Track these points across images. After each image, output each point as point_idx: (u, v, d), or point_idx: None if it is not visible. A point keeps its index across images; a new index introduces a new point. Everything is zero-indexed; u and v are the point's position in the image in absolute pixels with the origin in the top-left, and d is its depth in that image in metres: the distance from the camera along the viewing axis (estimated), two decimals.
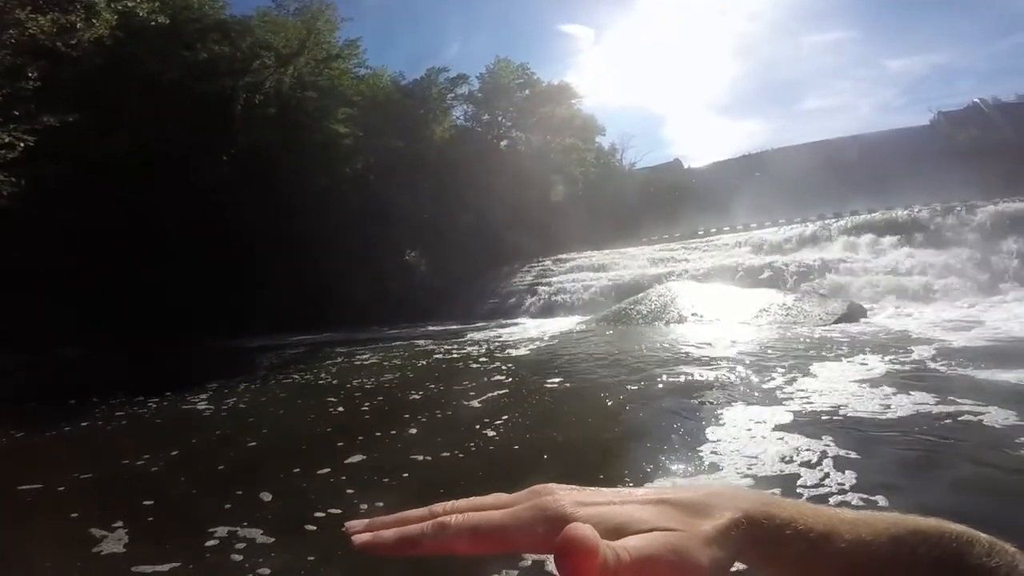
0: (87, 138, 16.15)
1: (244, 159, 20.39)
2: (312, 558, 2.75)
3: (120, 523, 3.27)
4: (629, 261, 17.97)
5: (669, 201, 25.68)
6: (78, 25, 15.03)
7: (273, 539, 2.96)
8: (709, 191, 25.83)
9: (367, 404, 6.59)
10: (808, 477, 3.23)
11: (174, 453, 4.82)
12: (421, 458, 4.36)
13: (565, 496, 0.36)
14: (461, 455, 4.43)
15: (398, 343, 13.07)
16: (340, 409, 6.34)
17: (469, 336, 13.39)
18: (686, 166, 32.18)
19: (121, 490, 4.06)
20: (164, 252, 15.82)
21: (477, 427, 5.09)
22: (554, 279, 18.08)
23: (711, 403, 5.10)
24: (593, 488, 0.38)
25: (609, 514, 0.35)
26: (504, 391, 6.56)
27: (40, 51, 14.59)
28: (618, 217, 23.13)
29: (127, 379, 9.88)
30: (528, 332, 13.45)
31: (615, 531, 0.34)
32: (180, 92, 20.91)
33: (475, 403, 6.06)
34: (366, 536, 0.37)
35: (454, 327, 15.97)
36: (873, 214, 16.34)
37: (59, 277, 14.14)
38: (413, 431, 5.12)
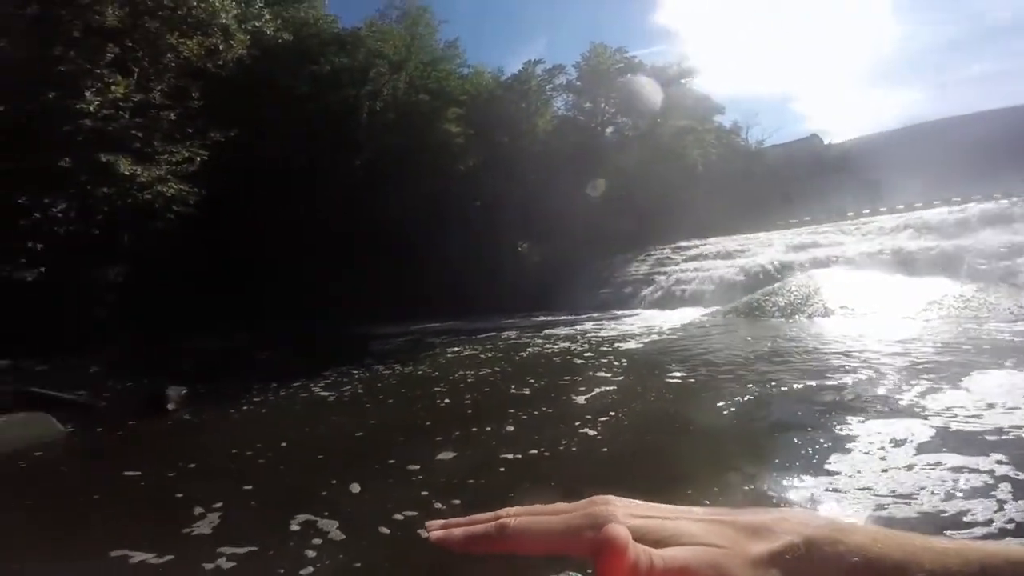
0: (244, 150, 18.45)
1: (371, 162, 22.12)
2: (376, 562, 2.75)
3: (219, 504, 3.54)
4: (762, 248, 16.31)
5: (807, 181, 22.98)
6: (220, 47, 17.03)
7: (345, 536, 3.01)
8: (856, 168, 22.71)
9: (469, 396, 6.50)
10: (955, 511, 2.55)
11: (283, 444, 5.06)
12: (511, 457, 4.14)
13: (618, 507, 0.38)
14: (552, 456, 4.12)
15: (508, 334, 13.10)
16: (445, 401, 6.29)
17: (580, 327, 13.08)
18: (825, 142, 28.57)
19: (228, 474, 4.34)
20: (304, 250, 17.62)
21: (577, 425, 4.77)
22: (674, 268, 17.04)
23: (853, 415, 4.23)
24: (652, 504, 0.39)
25: (657, 526, 0.37)
26: (612, 388, 6.15)
27: (197, 74, 16.94)
28: (746, 200, 21.17)
29: (276, 364, 10.93)
30: (644, 324, 12.81)
31: (659, 542, 0.35)
32: (312, 104, 23.32)
33: (580, 400, 5.72)
34: (440, 532, 0.40)
35: (566, 318, 15.79)
36: None
37: (223, 274, 16.33)
38: (510, 428, 4.90)
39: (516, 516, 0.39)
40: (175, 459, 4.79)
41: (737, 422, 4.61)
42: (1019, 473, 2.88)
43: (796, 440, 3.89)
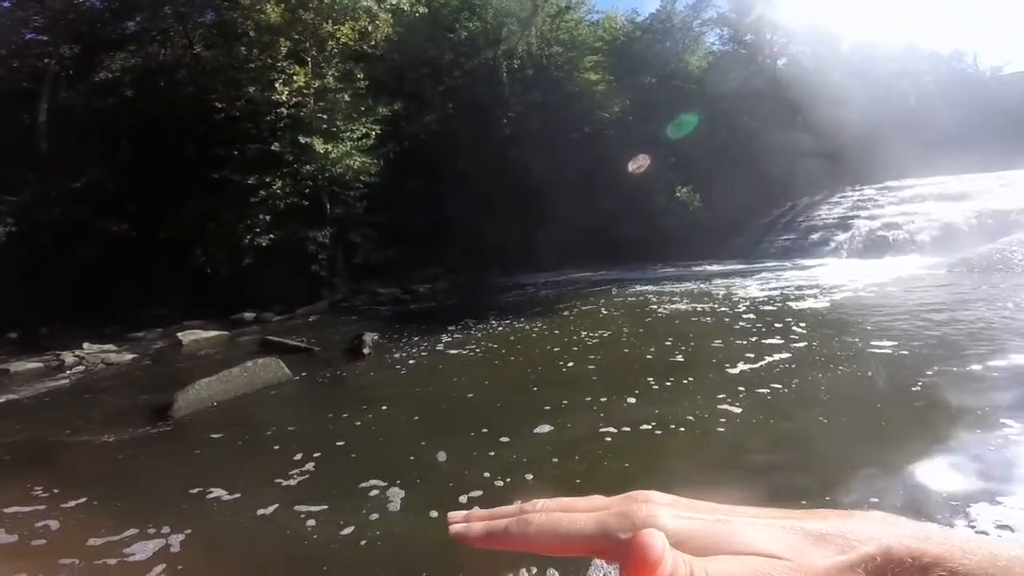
0: (408, 121, 19.84)
1: (518, 119, 22.46)
2: (414, 546, 2.65)
3: (311, 462, 3.77)
4: (1002, 189, 13.16)
5: None
6: (369, 28, 17.99)
7: (401, 515, 2.97)
8: None
9: (597, 359, 6.00)
10: None
11: (421, 394, 5.31)
12: (614, 435, 3.59)
13: (660, 504, 0.33)
14: (667, 439, 3.51)
15: (665, 283, 12.39)
16: (569, 365, 5.80)
17: (753, 278, 11.91)
18: None
19: (380, 422, 4.60)
20: (475, 203, 18.69)
21: (719, 399, 4.07)
22: (881, 211, 14.57)
23: None
24: (701, 502, 0.35)
25: (706, 530, 0.32)
26: (783, 355, 5.21)
27: (357, 56, 18.30)
28: (975, 137, 17.05)
29: (444, 312, 11.51)
30: (836, 277, 11.19)
31: (706, 549, 0.31)
32: (457, 70, 24.10)
33: (732, 370, 4.85)
34: (459, 526, 0.37)
35: (736, 266, 14.57)
36: None
37: (407, 230, 18.04)
38: (631, 400, 4.29)
39: (543, 511, 0.35)
40: (365, 398, 5.47)
41: (933, 411, 3.61)
42: None
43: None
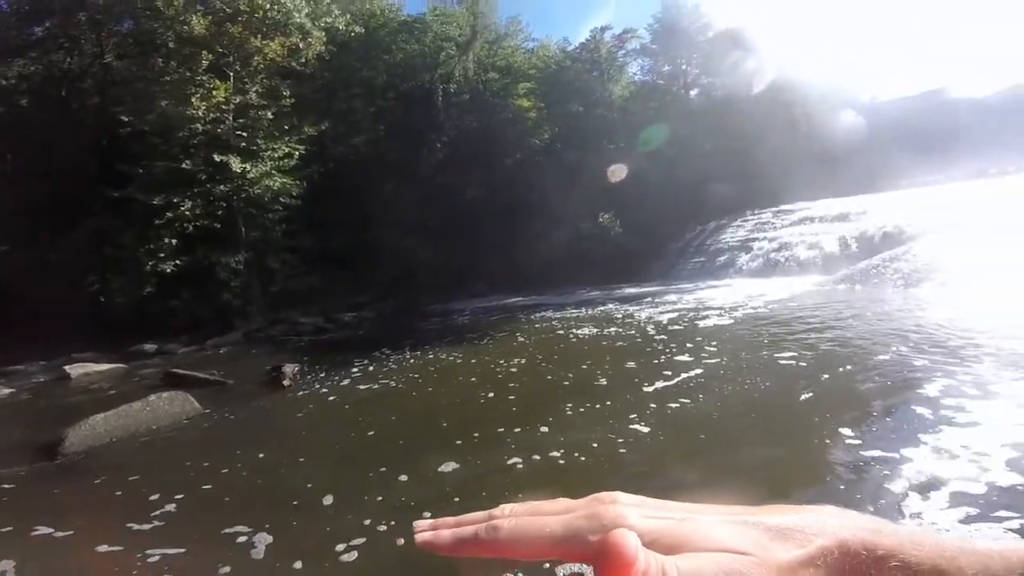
0: (336, 142, 19.52)
1: (451, 143, 22.66)
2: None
3: (191, 503, 3.65)
4: (880, 210, 14.69)
5: (932, 138, 20.27)
6: (299, 45, 17.77)
7: (259, 563, 2.88)
8: (993, 123, 19.70)
9: (516, 385, 6.06)
10: None
11: (341, 429, 5.16)
12: (521, 465, 3.66)
13: (627, 505, 0.34)
14: (581, 464, 3.63)
15: (588, 307, 12.76)
16: (488, 395, 5.74)
17: (668, 299, 12.50)
18: (953, 96, 25.05)
19: (298, 454, 4.55)
20: (405, 228, 18.52)
21: (632, 420, 4.24)
22: (776, 233, 15.78)
23: (967, 406, 3.67)
24: (666, 502, 0.36)
25: (673, 529, 0.33)
26: (694, 371, 5.54)
27: (285, 73, 17.91)
28: (859, 161, 19.02)
29: (366, 340, 11.16)
30: (739, 296, 12.00)
31: (675, 547, 0.32)
32: (391, 92, 24.08)
33: (648, 389, 5.10)
34: (427, 534, 0.36)
35: (653, 288, 15.23)
36: None
37: (330, 255, 17.54)
38: (544, 429, 4.36)
39: (511, 516, 0.35)
40: (284, 433, 5.25)
41: (836, 412, 3.98)
42: None
43: (898, 433, 3.42)
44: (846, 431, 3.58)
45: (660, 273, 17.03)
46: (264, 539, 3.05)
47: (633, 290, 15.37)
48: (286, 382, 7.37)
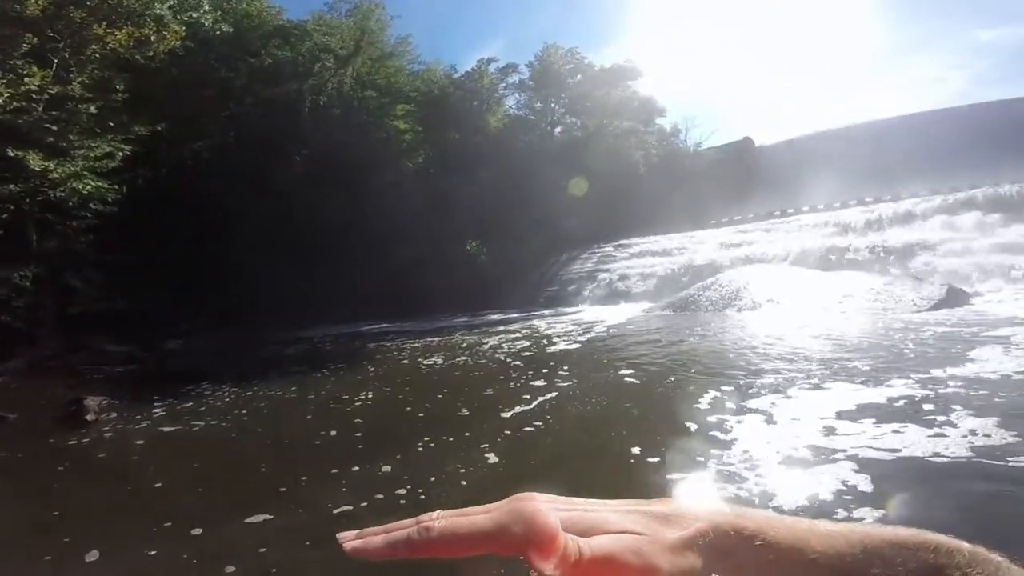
0: (173, 144, 17.46)
1: (315, 158, 21.45)
2: None
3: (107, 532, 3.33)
4: (698, 245, 17.08)
5: (740, 182, 24.07)
6: (151, 38, 15.97)
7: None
8: (784, 170, 24.06)
9: (362, 421, 5.77)
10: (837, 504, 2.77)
11: (177, 465, 4.64)
12: (347, 515, 3.42)
13: (541, 501, 0.38)
14: (449, 484, 3.72)
15: (451, 334, 12.97)
16: (329, 433, 5.31)
17: (526, 325, 13.19)
18: (757, 144, 29.96)
19: (127, 495, 4.05)
20: (252, 246, 16.92)
21: (484, 447, 4.36)
22: (616, 265, 17.53)
23: (765, 405, 4.56)
24: (572, 498, 0.41)
25: (580, 518, 0.38)
26: (549, 395, 5.89)
27: (123, 65, 15.86)
28: (684, 200, 21.92)
29: (195, 370, 9.96)
30: (586, 321, 13.12)
31: (584, 532, 0.37)
32: (249, 98, 22.36)
33: (506, 414, 5.26)
34: (356, 542, 0.38)
35: (514, 315, 15.93)
36: (976, 191, 14.52)
37: (155, 274, 15.41)
38: (387, 468, 4.16)
39: (440, 518, 0.39)
40: (88, 476, 4.54)
41: (665, 418, 4.69)
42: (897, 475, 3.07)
43: (718, 432, 4.05)
44: (676, 436, 4.11)
45: (521, 300, 17.89)
46: None
47: (497, 316, 15.90)
48: (90, 417, 6.27)
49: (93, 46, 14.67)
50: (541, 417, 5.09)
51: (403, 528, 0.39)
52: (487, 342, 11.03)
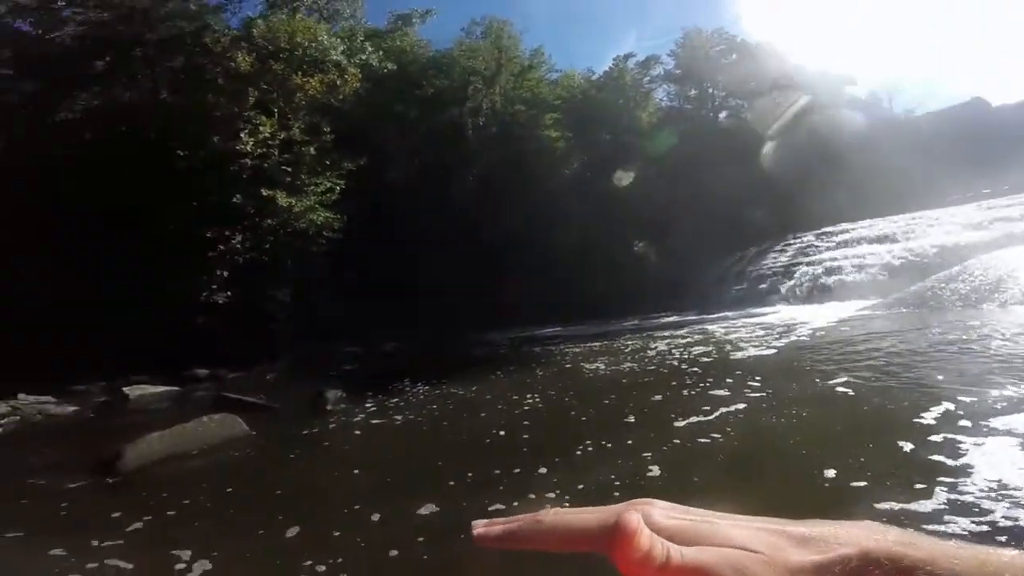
0: (374, 176, 20.15)
1: (483, 176, 23.08)
2: None
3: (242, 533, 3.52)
4: (928, 228, 14.27)
5: (972, 150, 19.67)
6: (337, 82, 18.51)
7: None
8: None
9: (529, 421, 5.77)
10: None
11: (388, 452, 5.23)
12: (582, 486, 3.46)
13: (656, 507, 0.37)
14: (621, 482, 3.48)
15: (622, 337, 12.51)
16: (501, 433, 5.41)
17: (704, 328, 12.21)
18: (994, 105, 24.33)
19: (345, 478, 4.55)
20: (439, 261, 18.83)
21: (646, 457, 3.95)
22: (821, 256, 15.41)
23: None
24: (700, 509, 0.38)
25: (693, 528, 0.35)
26: (736, 407, 5.14)
27: (325, 109, 18.70)
28: (899, 176, 18.52)
29: (406, 369, 11.05)
30: (784, 323, 11.65)
31: (691, 542, 0.34)
32: (423, 126, 24.89)
33: (689, 420, 4.75)
34: (482, 529, 0.40)
35: (690, 317, 15.01)
36: None
37: (374, 288, 17.94)
38: (543, 470, 4.08)
39: (554, 514, 0.39)
40: (324, 457, 5.40)
41: (878, 441, 3.69)
42: None
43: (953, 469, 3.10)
44: (895, 458, 3.38)
45: (699, 302, 16.79)
46: (306, 554, 3.06)
47: (672, 319, 15.14)
48: (328, 407, 7.50)
49: (298, 94, 17.62)
50: (720, 429, 4.50)
51: (520, 520, 0.39)
52: (656, 346, 10.41)
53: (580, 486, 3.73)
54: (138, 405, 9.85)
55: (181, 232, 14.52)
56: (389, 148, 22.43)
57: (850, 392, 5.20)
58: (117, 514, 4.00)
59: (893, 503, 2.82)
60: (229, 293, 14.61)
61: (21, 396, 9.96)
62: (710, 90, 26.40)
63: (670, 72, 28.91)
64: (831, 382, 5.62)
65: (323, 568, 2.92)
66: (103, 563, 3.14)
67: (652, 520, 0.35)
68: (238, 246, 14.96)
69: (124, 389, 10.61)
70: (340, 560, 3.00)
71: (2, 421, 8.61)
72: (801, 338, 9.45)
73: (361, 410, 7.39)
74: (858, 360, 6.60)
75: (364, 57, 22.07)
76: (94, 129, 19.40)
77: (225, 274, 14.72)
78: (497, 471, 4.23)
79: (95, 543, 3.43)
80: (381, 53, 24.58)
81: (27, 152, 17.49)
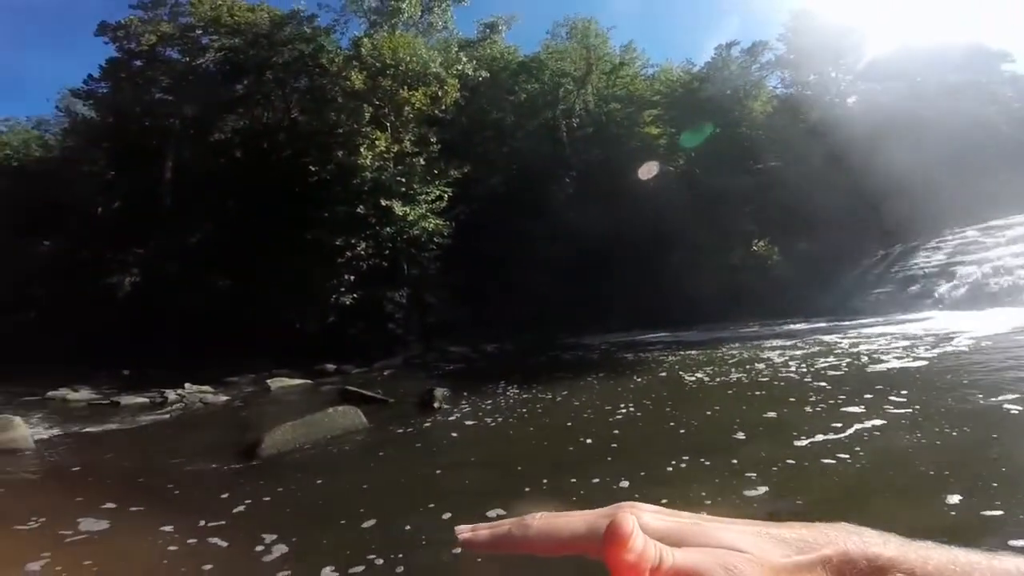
0: (477, 183, 20.94)
1: (580, 178, 22.98)
2: None
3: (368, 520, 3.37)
4: None
5: None
6: (439, 93, 19.29)
7: None
8: None
9: (620, 432, 5.54)
10: None
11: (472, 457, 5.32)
12: (666, 500, 2.98)
13: (644, 510, 0.37)
14: (713, 501, 3.25)
15: (736, 344, 11.73)
16: (587, 441, 5.37)
17: (842, 337, 10.95)
18: None
19: (443, 472, 4.75)
20: (539, 264, 19.10)
21: (750, 478, 3.56)
22: (987, 255, 13.33)
23: None
24: (682, 511, 0.38)
25: (681, 529, 0.36)
26: (872, 423, 4.60)
27: (431, 121, 19.66)
28: None
29: (503, 372, 11.21)
30: (939, 330, 10.23)
31: (680, 543, 0.34)
32: (520, 132, 25.31)
33: (813, 439, 4.32)
34: (468, 534, 0.40)
35: (823, 324, 13.62)
36: None
37: (478, 290, 18.66)
38: (625, 483, 3.85)
39: (541, 518, 0.38)
40: (432, 451, 5.75)
41: None
42: None
43: None
44: None
45: (832, 306, 15.24)
46: (425, 536, 3.32)
47: (799, 326, 13.85)
48: (436, 404, 7.94)
49: (406, 108, 18.68)
50: (848, 449, 4.01)
51: (508, 524, 0.39)
52: (775, 356, 9.60)
53: (664, 500, 3.51)
54: (278, 395, 11.13)
55: (318, 241, 16.12)
56: (489, 154, 23.11)
57: (1016, 410, 4.52)
58: (262, 496, 4.53)
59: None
60: (355, 295, 15.97)
61: (187, 386, 11.72)
62: (833, 74, 23.84)
63: (782, 57, 26.63)
64: (995, 399, 4.93)
65: (389, 557, 3.15)
66: (263, 543, 3.53)
67: (642, 522, 0.35)
68: (362, 252, 16.30)
69: (267, 381, 12.07)
70: (400, 555, 3.19)
71: (172, 407, 10.15)
72: (960, 349, 8.34)
73: (461, 409, 7.81)
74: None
75: (460, 67, 22.91)
76: (243, 148, 22.33)
77: (352, 278, 16.12)
78: (573, 480, 4.24)
79: (248, 525, 3.89)
80: (474, 62, 25.45)
81: (193, 171, 20.55)
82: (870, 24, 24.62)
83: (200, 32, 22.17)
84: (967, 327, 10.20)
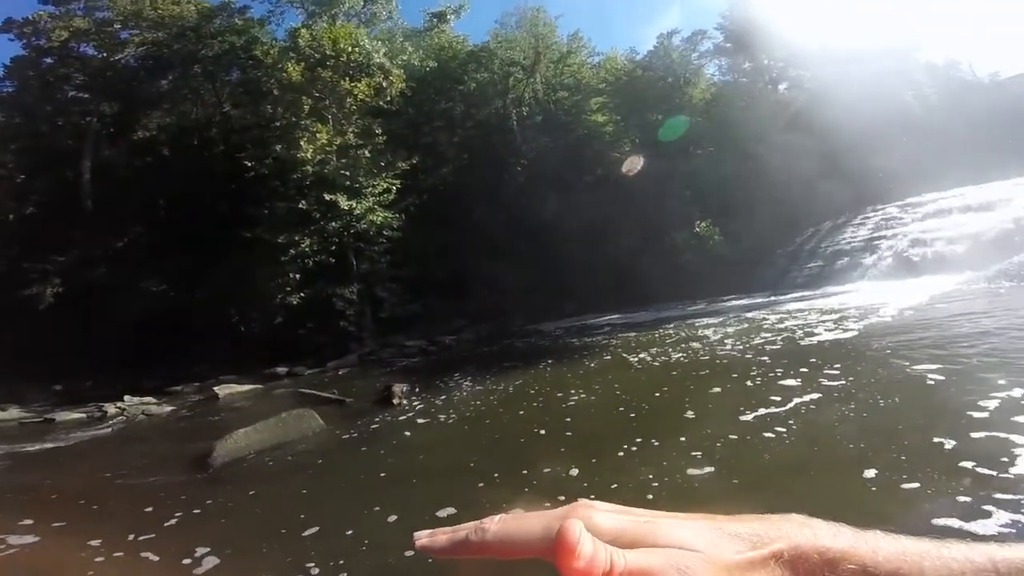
0: (426, 174, 20.55)
1: (531, 165, 22.99)
2: None
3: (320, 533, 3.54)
4: None
5: None
6: (383, 84, 18.78)
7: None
8: None
9: (571, 420, 5.63)
10: None
11: (443, 446, 5.40)
12: (616, 485, 3.35)
13: (599, 509, 0.37)
14: (659, 482, 3.31)
15: (682, 323, 12.07)
16: (540, 432, 5.41)
17: (779, 311, 11.53)
18: None
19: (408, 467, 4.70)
20: (493, 252, 19.01)
21: (695, 456, 3.74)
22: (906, 229, 14.36)
23: None
24: (644, 510, 0.38)
25: (634, 528, 0.35)
26: (808, 396, 4.80)
27: (375, 112, 19.07)
28: (984, 144, 16.91)
29: (463, 361, 11.41)
30: (865, 302, 10.92)
31: (634, 543, 0.34)
32: (469, 122, 25.02)
33: (756, 413, 4.50)
34: (425, 540, 0.40)
35: (762, 300, 14.33)
36: None
37: (432, 283, 18.35)
38: (575, 471, 3.92)
39: (499, 521, 0.38)
40: (385, 451, 5.58)
41: (967, 439, 3.31)
42: None
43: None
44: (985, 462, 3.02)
45: (770, 282, 16.03)
46: (368, 540, 3.24)
47: (740, 302, 14.49)
48: (395, 400, 7.78)
49: (348, 100, 18.04)
50: (786, 423, 4.21)
51: (465, 530, 0.38)
52: (718, 333, 9.95)
53: (614, 486, 3.59)
54: (227, 403, 10.61)
55: (259, 239, 15.36)
56: (439, 145, 22.74)
57: (940, 379, 4.76)
58: (206, 507, 4.31)
59: (952, 519, 2.53)
60: (303, 294, 15.36)
61: (127, 398, 11.04)
62: (766, 61, 24.94)
63: (720, 46, 27.60)
64: (918, 368, 5.20)
65: (329, 565, 3.07)
66: (193, 556, 3.39)
67: (593, 523, 0.35)
68: (307, 249, 15.66)
69: (215, 388, 11.47)
70: (341, 562, 3.11)
71: (112, 421, 9.57)
72: (885, 319, 8.87)
73: (427, 402, 7.69)
74: (953, 342, 6.07)
75: (405, 58, 22.34)
76: (170, 145, 20.90)
77: (298, 277, 15.47)
78: (525, 471, 4.22)
79: (185, 538, 3.71)
80: (421, 52, 24.88)
81: (115, 171, 19.07)
82: (801, 14, 25.74)
83: (119, 26, 20.57)
84: (891, 297, 10.92)
